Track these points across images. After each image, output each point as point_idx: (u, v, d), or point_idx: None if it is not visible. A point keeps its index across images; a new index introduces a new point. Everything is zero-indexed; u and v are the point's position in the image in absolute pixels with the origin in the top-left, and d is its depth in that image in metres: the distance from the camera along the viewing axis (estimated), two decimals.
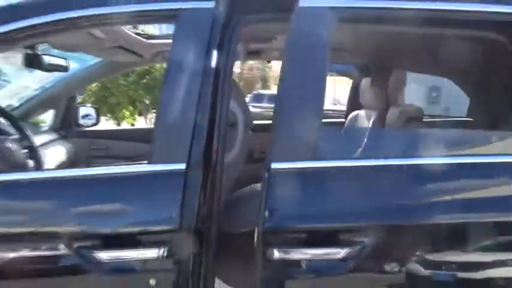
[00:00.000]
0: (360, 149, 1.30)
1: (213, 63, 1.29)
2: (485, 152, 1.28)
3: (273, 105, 1.31)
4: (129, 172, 1.27)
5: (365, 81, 2.61)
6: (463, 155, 1.26)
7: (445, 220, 1.15)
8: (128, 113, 9.46)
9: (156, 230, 1.19)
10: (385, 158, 1.21)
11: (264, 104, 16.09)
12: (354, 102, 2.94)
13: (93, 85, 7.83)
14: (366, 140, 1.41)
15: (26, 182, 1.26)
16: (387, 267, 1.17)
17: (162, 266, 1.17)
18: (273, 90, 36.54)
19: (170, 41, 1.46)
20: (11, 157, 1.62)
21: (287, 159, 1.16)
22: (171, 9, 1.31)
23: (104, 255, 1.14)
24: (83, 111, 3.05)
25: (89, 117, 3.11)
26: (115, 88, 8.87)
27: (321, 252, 1.13)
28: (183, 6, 1.30)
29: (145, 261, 1.15)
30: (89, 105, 3.58)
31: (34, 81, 2.63)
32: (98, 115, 3.14)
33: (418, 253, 1.17)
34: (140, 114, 10.04)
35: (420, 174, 1.19)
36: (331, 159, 1.20)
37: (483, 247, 1.16)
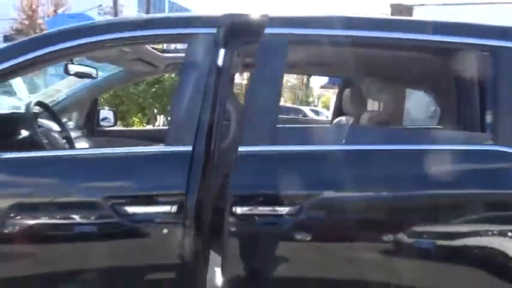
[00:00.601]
0: (301, 139, 1.79)
1: (214, 72, 1.74)
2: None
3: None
4: (151, 151, 1.73)
5: (346, 92, 3.06)
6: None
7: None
8: (137, 120, 9.97)
9: (169, 193, 1.63)
10: (317, 144, 1.72)
11: None
12: (338, 109, 3.38)
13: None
14: (306, 133, 1.90)
15: (81, 158, 1.74)
16: (315, 222, 1.64)
17: (172, 220, 1.61)
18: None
19: (179, 55, 1.94)
20: (56, 144, 2.08)
21: (250, 144, 1.63)
22: (186, 34, 1.78)
23: (133, 210, 1.59)
24: (102, 114, 3.52)
25: (107, 120, 3.58)
26: (126, 96, 9.36)
27: (270, 209, 1.60)
28: (194, 32, 1.77)
29: (161, 214, 1.60)
30: (107, 108, 4.03)
31: (65, 86, 3.08)
32: (116, 118, 3.61)
33: (331, 213, 1.67)
34: (148, 122, 10.53)
35: (331, 157, 1.69)
36: (282, 145, 1.68)
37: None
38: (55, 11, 42.78)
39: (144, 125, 10.29)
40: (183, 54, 2.07)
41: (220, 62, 1.75)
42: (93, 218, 1.64)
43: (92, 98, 3.27)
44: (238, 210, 1.57)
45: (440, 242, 1.66)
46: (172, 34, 1.83)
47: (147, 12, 19.71)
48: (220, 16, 1.81)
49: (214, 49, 1.73)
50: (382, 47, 1.88)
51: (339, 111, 3.41)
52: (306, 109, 21.44)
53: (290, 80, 43.35)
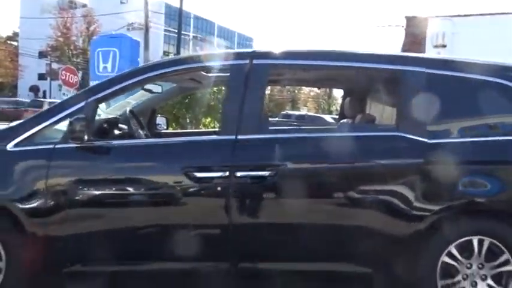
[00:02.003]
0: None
1: (247, 90, 2.72)
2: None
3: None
4: (210, 139, 2.74)
5: (346, 100, 3.99)
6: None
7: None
8: (171, 128, 11.06)
9: (222, 164, 2.61)
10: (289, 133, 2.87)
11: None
12: (342, 113, 4.30)
13: None
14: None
15: (165, 143, 2.80)
16: (284, 180, 2.64)
17: (224, 181, 2.58)
18: (302, 111, 37.73)
19: (217, 74, 3.03)
20: (141, 137, 3.09)
21: (244, 134, 2.64)
22: (226, 65, 2.79)
23: (200, 175, 2.57)
24: (158, 120, 4.54)
25: (160, 125, 4.60)
26: (162, 107, 10.46)
27: (256, 172, 2.61)
28: (232, 63, 2.78)
29: (216, 178, 2.58)
30: (159, 115, 5.05)
31: (134, 99, 4.10)
32: (168, 124, 4.63)
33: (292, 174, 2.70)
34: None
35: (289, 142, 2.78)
36: (265, 133, 2.74)
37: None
38: (87, 29, 45.20)
39: None
40: (221, 74, 3.16)
41: (250, 82, 2.73)
42: (174, 180, 2.64)
43: (152, 107, 4.29)
44: (238, 173, 2.60)
45: (360, 195, 2.68)
46: (219, 65, 2.86)
47: (179, 27, 20.77)
48: (249, 52, 2.82)
49: (246, 74, 2.72)
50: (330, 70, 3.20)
51: (343, 115, 4.34)
52: (327, 117, 22.32)
53: (313, 90, 44.25)
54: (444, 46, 15.74)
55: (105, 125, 3.00)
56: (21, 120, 2.97)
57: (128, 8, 46.72)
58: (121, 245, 2.66)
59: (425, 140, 2.67)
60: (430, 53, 15.79)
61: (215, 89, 9.14)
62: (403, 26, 17.29)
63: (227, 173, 2.58)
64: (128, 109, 3.09)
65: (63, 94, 15.18)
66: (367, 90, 3.68)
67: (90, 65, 12.78)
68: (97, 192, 2.64)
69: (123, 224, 2.67)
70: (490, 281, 2.65)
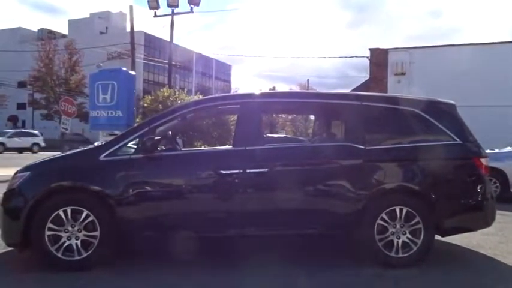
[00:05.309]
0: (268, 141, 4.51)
1: (252, 118, 4.29)
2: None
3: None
4: (228, 150, 4.31)
5: (316, 123, 5.62)
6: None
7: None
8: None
9: (237, 164, 4.13)
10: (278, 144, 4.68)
11: None
12: (314, 132, 5.91)
13: None
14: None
15: (200, 152, 4.37)
16: (275, 174, 4.22)
17: (237, 176, 4.10)
18: (280, 133, 39.38)
19: (227, 107, 4.71)
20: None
21: (250, 145, 4.20)
22: (238, 102, 4.40)
23: (224, 172, 4.11)
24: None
25: (178, 145, 6.13)
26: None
27: (259, 169, 4.16)
28: (243, 101, 4.38)
29: (234, 173, 4.11)
30: (178, 138, 6.57)
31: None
32: (184, 144, 6.16)
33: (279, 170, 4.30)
34: None
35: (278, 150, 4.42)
36: (263, 145, 4.30)
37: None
38: (70, 59, 46.10)
39: None
40: (227, 107, 4.75)
41: (253, 112, 4.31)
42: (207, 175, 4.17)
43: (175, 131, 5.80)
44: (247, 171, 4.11)
45: (324, 184, 4.24)
46: (232, 102, 4.47)
47: (169, 61, 22.33)
48: (252, 93, 4.41)
49: (253, 110, 4.30)
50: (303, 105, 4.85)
51: (314, 133, 5.97)
52: (304, 139, 24.12)
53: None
54: (403, 74, 17.82)
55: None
56: (109, 140, 4.44)
57: (106, 38, 48.17)
58: (174, 220, 4.12)
59: (363, 147, 4.26)
60: (392, 79, 17.89)
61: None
62: (367, 57, 19.31)
63: (241, 170, 4.10)
64: (170, 132, 4.59)
65: (63, 123, 16.51)
66: (329, 116, 5.31)
67: (89, 96, 14.10)
68: (160, 185, 4.13)
69: (176, 206, 4.15)
70: (408, 235, 4.22)
